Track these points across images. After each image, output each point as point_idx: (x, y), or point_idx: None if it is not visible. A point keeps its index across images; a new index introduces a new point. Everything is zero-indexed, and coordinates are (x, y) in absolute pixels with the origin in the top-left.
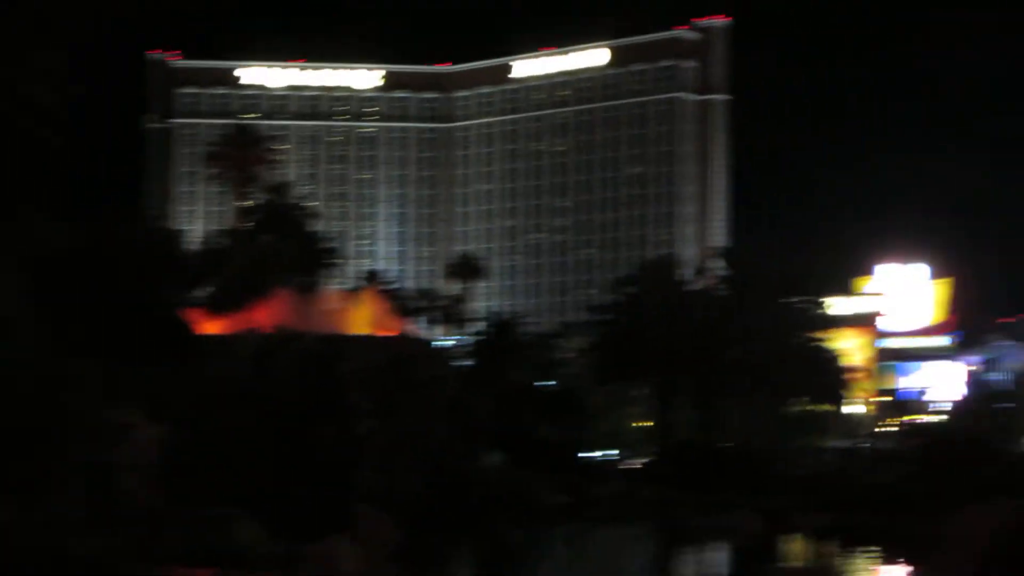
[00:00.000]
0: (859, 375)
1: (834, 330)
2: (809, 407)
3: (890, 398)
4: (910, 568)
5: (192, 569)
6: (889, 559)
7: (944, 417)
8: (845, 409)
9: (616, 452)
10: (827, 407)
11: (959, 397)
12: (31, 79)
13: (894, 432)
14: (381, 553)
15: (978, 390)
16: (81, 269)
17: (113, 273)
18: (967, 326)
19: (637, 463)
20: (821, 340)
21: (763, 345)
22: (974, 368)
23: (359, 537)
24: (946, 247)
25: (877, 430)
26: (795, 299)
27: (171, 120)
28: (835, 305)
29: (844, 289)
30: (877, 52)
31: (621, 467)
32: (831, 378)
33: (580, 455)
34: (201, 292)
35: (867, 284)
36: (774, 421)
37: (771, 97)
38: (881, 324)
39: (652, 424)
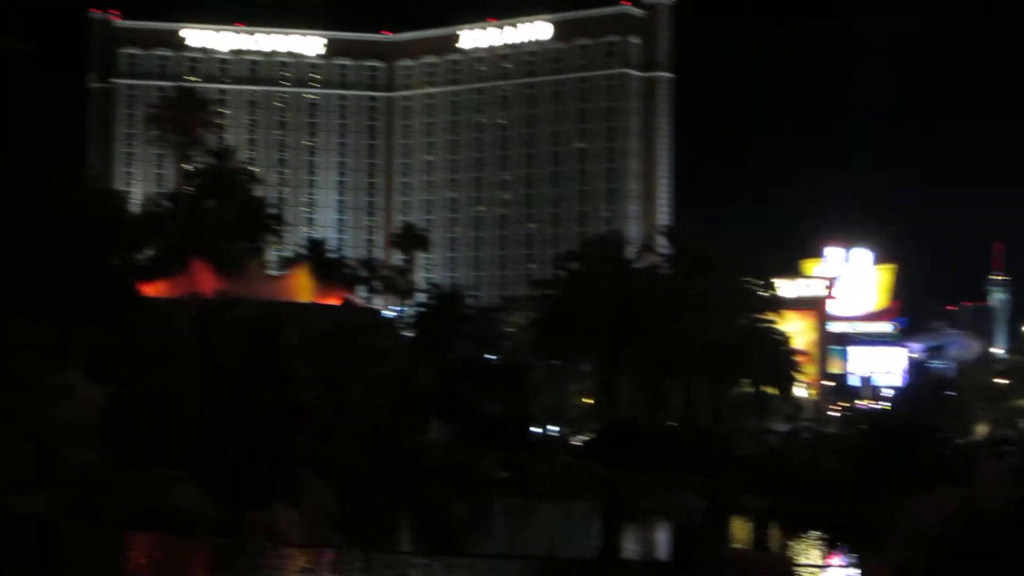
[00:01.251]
0: (804, 358)
1: (781, 312)
2: (754, 388)
3: (833, 383)
4: (855, 555)
5: (135, 532)
6: (832, 545)
7: (887, 404)
8: (790, 392)
9: (558, 428)
10: (772, 389)
11: (902, 384)
12: None
13: (837, 417)
14: (323, 521)
15: (921, 378)
16: (21, 228)
17: (54, 233)
18: (911, 313)
19: (579, 439)
20: (769, 321)
21: (709, 324)
22: (916, 356)
23: (302, 504)
24: (891, 233)
25: (829, 414)
26: (743, 279)
27: (113, 80)
28: (783, 287)
29: (793, 271)
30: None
31: (563, 443)
32: (778, 360)
33: (523, 430)
34: (142, 255)
35: (817, 267)
36: (718, 401)
37: (714, 76)
38: (830, 308)
39: (594, 401)
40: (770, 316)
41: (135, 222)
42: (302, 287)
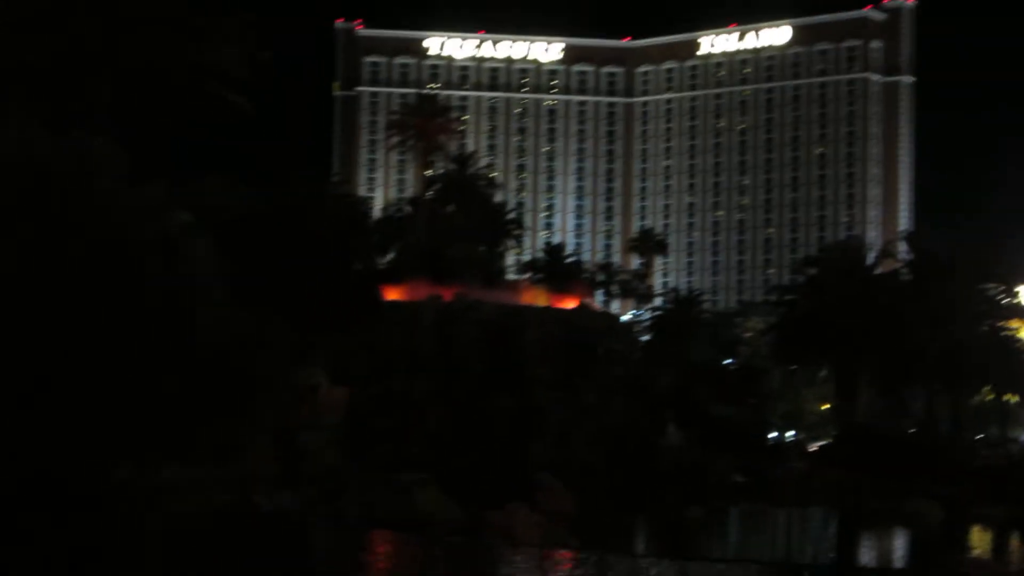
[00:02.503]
0: None
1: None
2: (995, 396)
3: None
4: None
5: (377, 530)
6: None
7: None
8: None
9: (794, 433)
10: (1014, 397)
11: None
12: (219, 46)
13: None
14: (560, 523)
15: None
16: (269, 233)
17: (301, 238)
18: None
19: (816, 445)
20: (1011, 329)
21: (950, 330)
22: None
23: (539, 507)
24: None
25: None
26: (985, 285)
27: (357, 88)
28: None
29: None
30: None
31: (800, 449)
32: (1020, 368)
33: (759, 435)
34: (384, 259)
35: None
36: (958, 409)
37: (957, 79)
38: None
39: (830, 407)
40: (1014, 323)
41: (377, 227)
42: (539, 291)
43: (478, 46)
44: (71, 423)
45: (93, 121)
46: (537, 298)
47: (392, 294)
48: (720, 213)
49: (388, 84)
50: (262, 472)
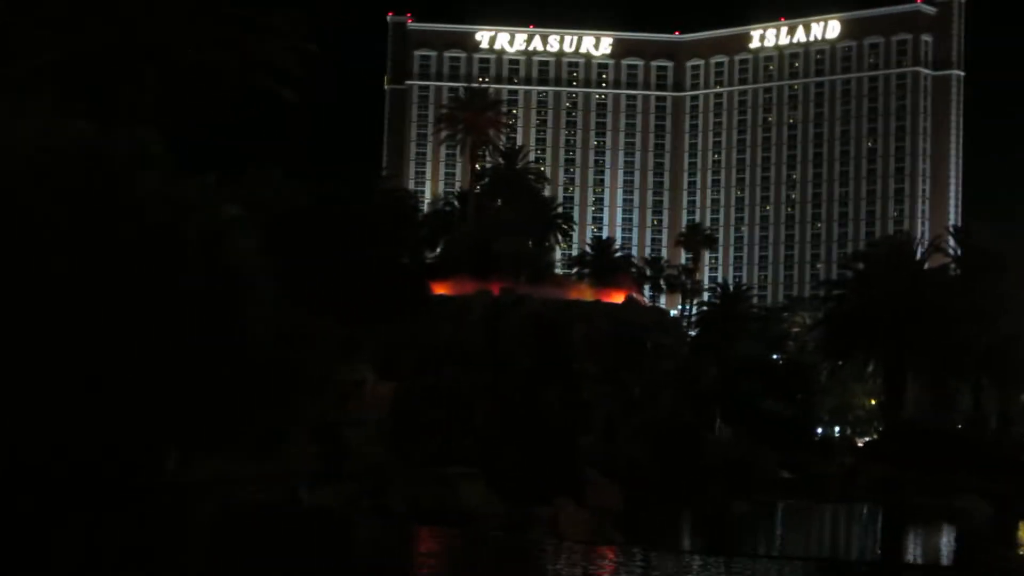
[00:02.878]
0: None
1: None
2: None
3: None
4: None
5: (422, 525)
6: None
7: None
8: None
9: (839, 429)
10: None
11: None
12: (270, 39)
13: None
14: (607, 518)
15: None
16: (318, 227)
17: (349, 232)
18: None
19: (863, 440)
20: None
21: (998, 326)
22: None
23: (585, 501)
24: None
25: None
26: None
27: (407, 82)
28: None
29: None
30: None
31: (848, 444)
32: None
33: (806, 430)
34: (432, 253)
35: None
36: (1007, 405)
37: (1007, 75)
38: None
39: (877, 402)
40: None
41: (425, 221)
42: (587, 286)
43: (528, 40)
44: (120, 415)
45: (142, 114)
46: (584, 293)
47: (440, 288)
48: (768, 208)
49: (438, 78)
50: (306, 467)
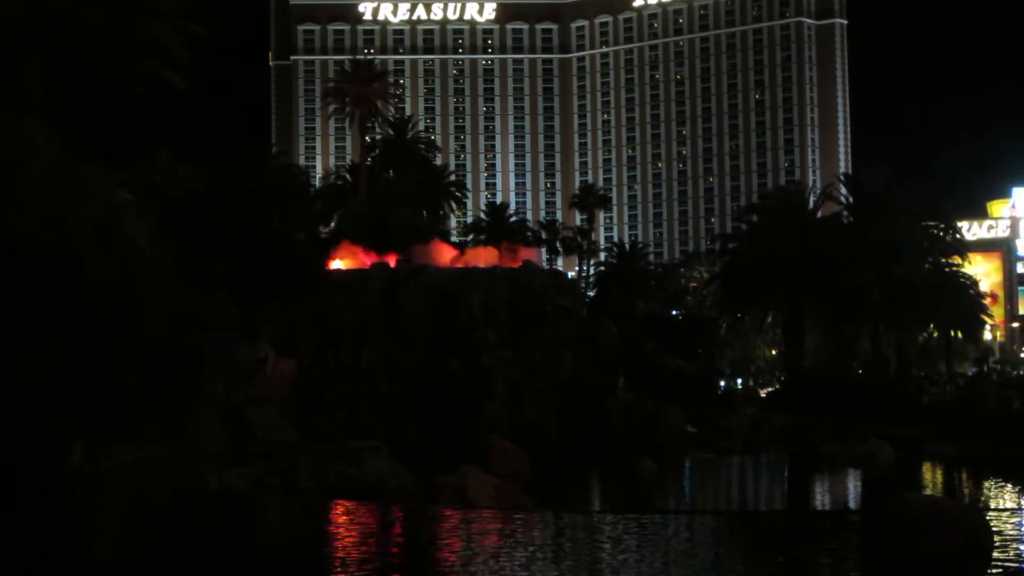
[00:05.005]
0: (991, 301)
1: (967, 255)
2: (941, 333)
3: (1018, 324)
4: None
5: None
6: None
7: None
8: (978, 336)
9: (741, 381)
10: (959, 334)
11: None
12: (153, 22)
13: None
14: (515, 484)
15: None
16: (210, 207)
17: (242, 210)
18: None
19: (764, 392)
20: (955, 265)
21: (894, 270)
22: None
23: (492, 468)
24: None
25: (1021, 356)
26: (926, 223)
27: (292, 57)
28: (968, 229)
29: (979, 212)
30: None
31: (751, 396)
32: (964, 304)
33: (710, 385)
34: (326, 228)
35: (1004, 207)
36: (905, 347)
37: (888, 20)
38: (1019, 248)
39: (780, 352)
40: (956, 260)
41: (318, 196)
42: (484, 251)
43: (411, 9)
44: (18, 408)
45: (27, 104)
46: (482, 259)
47: (336, 263)
48: (660, 165)
49: (323, 52)
50: (212, 450)
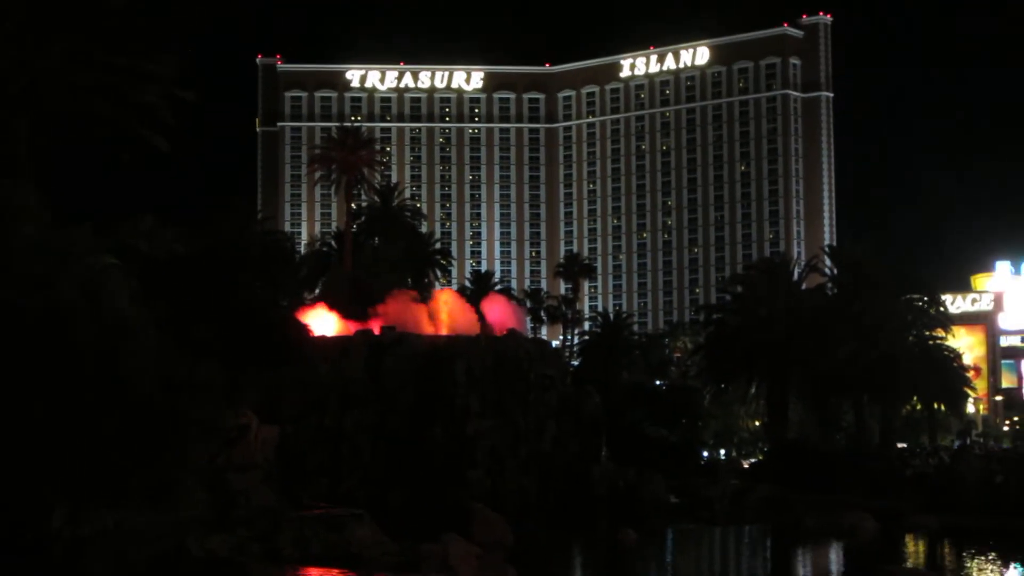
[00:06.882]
0: (974, 374)
1: (950, 327)
2: (924, 406)
3: (1003, 397)
4: None
5: (313, 568)
6: (1008, 562)
7: None
8: (961, 408)
9: (724, 452)
10: (943, 406)
11: None
12: (141, 85)
13: (1009, 432)
14: (498, 554)
15: None
16: (195, 272)
17: (227, 276)
18: None
19: (747, 463)
20: (938, 338)
21: (878, 343)
22: None
23: (474, 536)
24: None
25: (1004, 429)
26: (910, 296)
27: (279, 124)
28: (951, 302)
29: (962, 286)
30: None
31: (734, 466)
32: (948, 376)
33: (693, 455)
34: (311, 294)
35: (988, 280)
36: (889, 419)
37: (874, 95)
38: (1000, 322)
39: (761, 424)
40: (939, 332)
41: (303, 262)
42: (467, 319)
43: (399, 77)
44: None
45: (15, 166)
46: (466, 327)
47: (320, 329)
48: (645, 235)
49: (310, 118)
50: (195, 516)
